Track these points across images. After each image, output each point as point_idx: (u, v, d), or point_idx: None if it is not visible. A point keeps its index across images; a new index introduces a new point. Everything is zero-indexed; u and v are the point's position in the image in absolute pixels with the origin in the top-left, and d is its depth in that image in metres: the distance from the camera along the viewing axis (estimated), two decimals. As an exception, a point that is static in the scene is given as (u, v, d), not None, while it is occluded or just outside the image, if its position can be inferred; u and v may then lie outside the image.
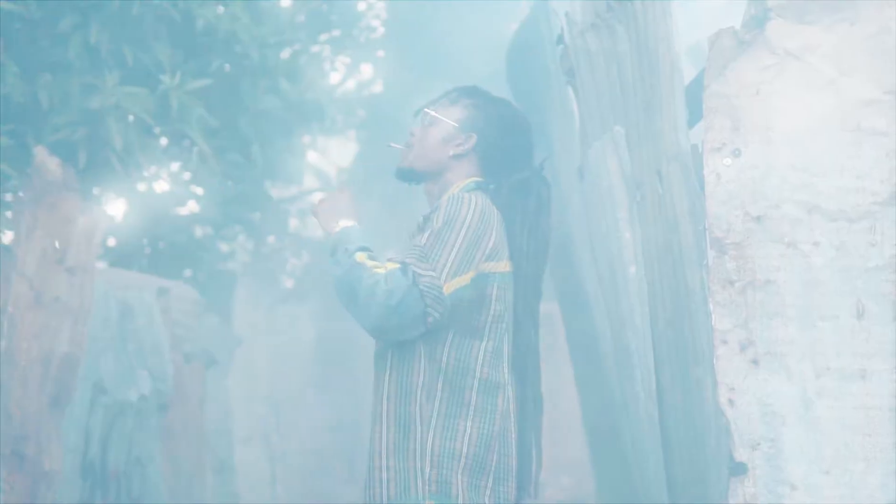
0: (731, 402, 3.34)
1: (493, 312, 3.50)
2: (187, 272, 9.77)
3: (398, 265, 3.35)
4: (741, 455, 3.29)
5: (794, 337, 3.33)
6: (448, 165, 3.71)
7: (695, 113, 4.31)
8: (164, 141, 8.97)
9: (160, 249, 9.31)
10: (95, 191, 8.16)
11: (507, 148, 3.71)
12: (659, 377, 4.47)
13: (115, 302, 6.83)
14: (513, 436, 3.53)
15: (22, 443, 5.58)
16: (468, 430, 3.39)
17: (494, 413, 3.45)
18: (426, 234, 3.42)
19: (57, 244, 5.61)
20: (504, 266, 3.53)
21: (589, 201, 5.06)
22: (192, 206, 10.97)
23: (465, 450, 3.37)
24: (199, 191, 9.91)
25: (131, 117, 6.87)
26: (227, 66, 8.76)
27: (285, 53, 9.96)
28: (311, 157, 12.41)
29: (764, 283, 3.37)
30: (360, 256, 3.37)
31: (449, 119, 3.71)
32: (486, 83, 3.88)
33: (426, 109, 3.77)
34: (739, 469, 3.29)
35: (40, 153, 5.66)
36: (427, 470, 3.32)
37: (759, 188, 3.43)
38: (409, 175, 3.78)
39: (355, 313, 3.37)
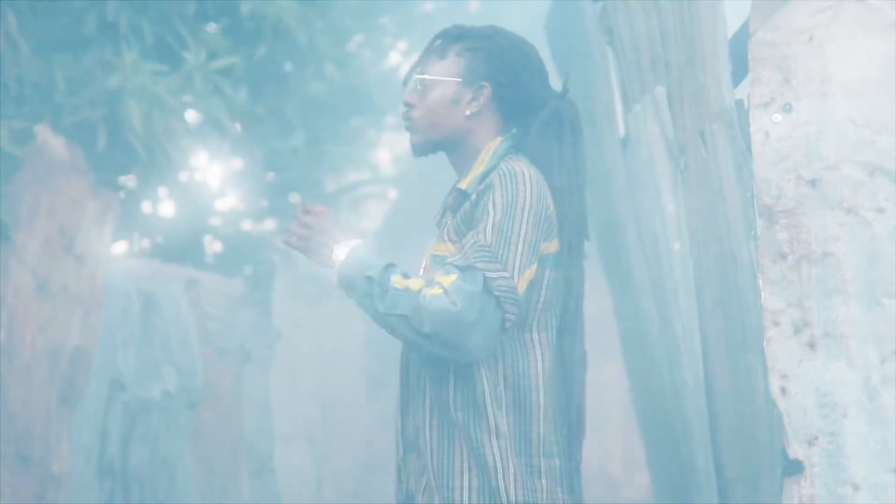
0: (783, 391, 3.08)
1: (546, 299, 3.10)
2: (214, 253, 9.50)
3: (456, 273, 2.93)
4: (796, 451, 3.04)
5: (856, 317, 3.06)
6: (468, 128, 3.21)
7: (741, 67, 3.90)
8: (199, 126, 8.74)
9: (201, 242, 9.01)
10: (130, 183, 7.87)
11: (526, 83, 3.20)
12: (706, 364, 4.12)
13: (137, 293, 6.47)
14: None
15: (27, 443, 5.21)
16: (542, 439, 3.04)
17: (558, 411, 3.11)
18: (485, 227, 2.98)
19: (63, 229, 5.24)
20: (555, 246, 3.11)
21: (632, 174, 4.68)
22: (232, 198, 10.76)
23: (541, 463, 3.03)
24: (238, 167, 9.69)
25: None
26: (271, 51, 8.51)
27: (334, 38, 9.69)
28: (366, 147, 12.12)
29: (820, 256, 3.12)
30: (398, 280, 2.97)
31: (448, 76, 3.21)
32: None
33: (416, 76, 3.25)
34: (794, 467, 3.05)
35: (42, 132, 5.27)
36: (512, 490, 2.98)
37: (813, 147, 3.17)
38: (428, 148, 3.29)
39: (425, 345, 2.96)
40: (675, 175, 4.29)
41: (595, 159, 5.91)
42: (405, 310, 2.91)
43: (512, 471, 2.98)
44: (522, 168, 3.04)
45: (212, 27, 7.92)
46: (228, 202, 10.88)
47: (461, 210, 3.10)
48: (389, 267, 2.99)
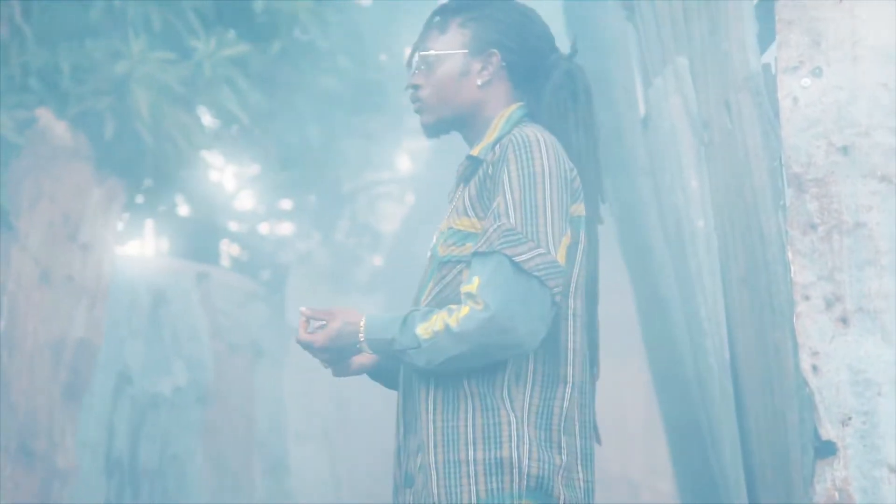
0: (815, 368, 2.97)
1: (580, 265, 2.96)
2: (230, 255, 9.42)
3: (478, 275, 2.79)
4: (829, 432, 2.94)
5: (890, 290, 2.96)
6: (480, 99, 3.08)
7: (768, 31, 3.74)
8: (210, 121, 8.65)
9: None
10: (147, 181, 7.76)
11: (534, 46, 3.09)
12: (732, 345, 3.97)
13: (146, 286, 6.33)
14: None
15: (30, 437, 5.06)
16: (565, 414, 2.90)
17: (586, 390, 2.99)
18: (506, 206, 2.82)
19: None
20: (583, 209, 2.97)
21: (653, 151, 4.52)
22: (247, 196, 10.68)
23: (561, 438, 2.89)
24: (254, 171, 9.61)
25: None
26: (285, 46, 8.45)
27: (349, 33, 9.64)
28: (384, 146, 12.03)
29: (853, 227, 3.02)
30: (423, 330, 2.83)
31: (454, 49, 3.07)
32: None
33: (421, 53, 3.11)
34: (827, 449, 2.94)
35: (44, 116, 5.13)
36: (525, 461, 2.81)
37: (844, 113, 3.07)
38: (441, 127, 3.15)
39: (486, 360, 2.85)
40: (699, 150, 4.14)
41: (613, 144, 5.76)
42: (446, 353, 2.80)
43: (527, 443, 2.83)
44: (536, 134, 2.90)
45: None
46: (243, 200, 10.81)
47: (475, 178, 2.96)
48: (406, 320, 2.87)
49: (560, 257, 2.81)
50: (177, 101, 6.77)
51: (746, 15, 3.79)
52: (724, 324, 4.04)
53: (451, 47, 3.06)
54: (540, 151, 2.86)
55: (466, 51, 3.05)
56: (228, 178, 10.43)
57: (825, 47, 3.09)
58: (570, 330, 2.92)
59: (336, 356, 3.04)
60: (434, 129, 3.14)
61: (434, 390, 2.91)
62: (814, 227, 3.02)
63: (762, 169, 3.71)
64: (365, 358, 3.13)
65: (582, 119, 3.05)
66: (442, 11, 3.11)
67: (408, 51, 3.48)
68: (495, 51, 3.05)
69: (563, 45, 5.55)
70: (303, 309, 3.02)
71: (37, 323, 5.15)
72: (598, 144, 3.08)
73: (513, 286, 2.76)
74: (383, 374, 3.20)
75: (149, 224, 9.07)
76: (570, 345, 2.92)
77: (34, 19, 6.28)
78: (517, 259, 2.76)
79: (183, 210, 9.19)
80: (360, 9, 11.14)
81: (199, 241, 9.30)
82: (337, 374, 3.15)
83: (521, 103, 3.07)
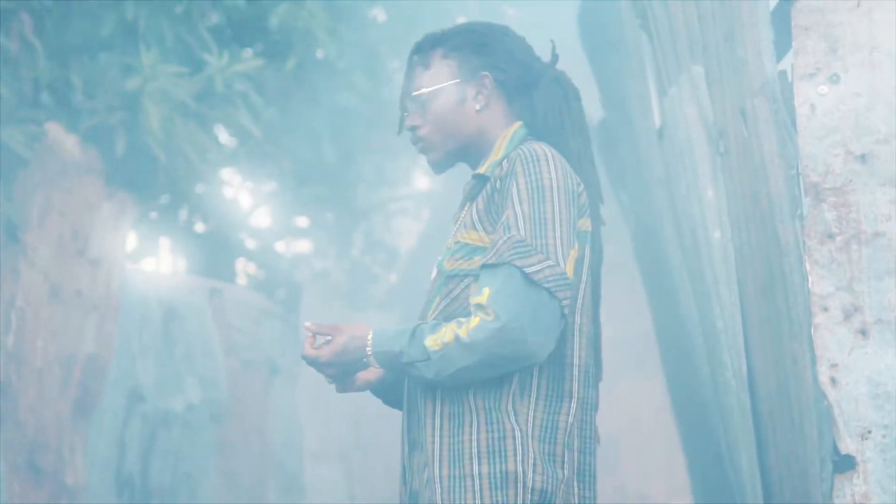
0: (833, 381, 2.92)
1: (587, 280, 2.95)
2: (246, 273, 9.38)
3: (487, 286, 2.77)
4: (848, 446, 2.89)
5: None
6: (481, 124, 3.05)
7: (784, 37, 3.68)
8: (227, 138, 8.63)
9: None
10: (163, 199, 7.72)
11: (519, 59, 3.08)
12: (749, 358, 3.91)
13: (158, 301, 6.27)
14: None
15: (39, 453, 5.00)
16: (569, 429, 2.87)
17: (588, 406, 2.94)
18: (515, 219, 2.81)
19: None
20: (588, 224, 2.96)
21: (668, 161, 4.45)
22: (263, 212, 10.66)
23: (564, 453, 2.86)
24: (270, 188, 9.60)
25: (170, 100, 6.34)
26: (300, 62, 8.46)
27: (364, 50, 9.65)
28: (400, 163, 12.02)
29: (872, 237, 2.97)
30: (432, 341, 2.80)
31: (443, 82, 3.04)
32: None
33: (414, 94, 3.06)
34: (846, 463, 2.89)
35: (53, 129, 5.08)
36: (530, 475, 2.79)
37: (862, 120, 3.02)
38: (449, 161, 3.12)
39: (496, 372, 2.82)
40: (714, 159, 4.07)
41: (629, 156, 5.70)
42: (456, 365, 2.78)
43: (532, 457, 2.80)
44: (544, 148, 2.89)
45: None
46: (259, 218, 10.79)
47: (483, 193, 2.94)
48: (415, 333, 2.85)
49: (569, 270, 2.79)
50: (189, 117, 6.73)
51: (762, 21, 3.72)
52: (741, 336, 3.97)
53: (441, 80, 3.03)
54: (548, 165, 2.84)
55: (458, 80, 3.03)
56: (244, 195, 10.41)
57: (842, 53, 3.04)
58: (577, 346, 2.89)
59: (342, 372, 2.98)
60: (443, 165, 3.11)
61: (439, 405, 2.88)
62: (832, 236, 2.97)
63: (779, 178, 3.65)
64: (370, 374, 3.10)
65: (576, 122, 3.03)
66: (420, 49, 3.10)
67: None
68: (486, 73, 3.03)
69: (579, 53, 5.46)
70: (307, 324, 2.98)
71: (46, 338, 5.10)
72: (591, 145, 3.06)
73: (523, 297, 2.73)
74: (387, 390, 3.17)
75: (164, 241, 9.05)
76: (576, 360, 2.89)
77: (45, 34, 6.25)
78: (527, 270, 2.74)
79: (199, 227, 9.16)
80: (376, 25, 11.16)
81: (215, 258, 9.27)
82: (341, 389, 3.10)
83: (521, 122, 3.05)
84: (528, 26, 12.50)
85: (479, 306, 2.75)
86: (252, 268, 10.10)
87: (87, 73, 6.29)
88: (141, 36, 6.37)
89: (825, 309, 2.93)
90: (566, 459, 2.84)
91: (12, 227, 4.95)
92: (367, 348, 2.89)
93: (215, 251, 9.31)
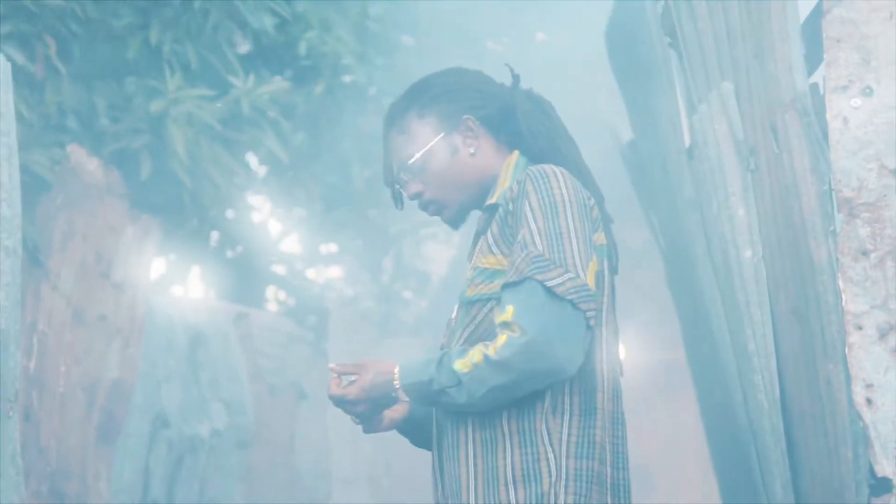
0: (869, 402, 2.80)
1: (607, 293, 2.91)
2: (275, 298, 9.32)
3: (511, 303, 2.72)
4: (885, 469, 2.77)
5: None
6: (480, 166, 3.03)
7: (815, 50, 3.59)
8: (257, 164, 8.61)
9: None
10: (192, 224, 7.68)
11: (489, 91, 3.07)
12: (782, 380, 3.81)
13: (183, 326, 6.20)
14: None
15: (62, 479, 4.94)
16: (602, 443, 2.83)
17: (618, 420, 2.90)
18: (532, 236, 2.77)
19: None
20: (603, 238, 2.93)
21: (698, 181, 4.36)
22: (291, 238, 10.61)
23: (599, 469, 2.82)
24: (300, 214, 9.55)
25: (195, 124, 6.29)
26: (328, 87, 8.47)
27: (392, 74, 9.64)
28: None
29: None
30: (461, 364, 2.75)
31: (430, 141, 3.01)
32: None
33: (408, 163, 3.03)
34: (883, 486, 2.77)
35: (75, 152, 5.02)
36: (562, 497, 2.75)
37: None
38: (463, 213, 3.11)
39: (527, 390, 2.77)
40: (745, 177, 3.98)
41: (659, 176, 5.61)
42: (488, 384, 2.73)
43: (564, 478, 2.75)
44: (551, 167, 2.87)
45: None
46: (289, 243, 10.74)
47: (496, 219, 2.91)
48: (442, 360, 2.79)
49: (590, 281, 2.75)
50: (215, 140, 6.69)
51: (792, 34, 3.64)
52: (774, 358, 3.86)
53: (427, 140, 3.00)
54: (558, 181, 2.82)
55: (442, 133, 3.00)
56: (273, 220, 10.37)
57: (876, 65, 2.94)
58: (603, 357, 2.85)
59: (371, 409, 2.95)
60: (459, 220, 3.11)
61: (471, 432, 2.84)
62: (866, 253, 2.86)
63: (811, 194, 3.56)
64: (395, 413, 3.07)
65: (561, 131, 3.05)
66: (392, 120, 3.08)
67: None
68: (466, 115, 3.01)
69: (609, 75, 5.36)
70: (332, 366, 2.96)
71: (69, 363, 5.04)
72: (579, 150, 3.06)
73: (547, 311, 2.69)
74: (414, 429, 3.13)
75: (193, 267, 9.01)
76: (604, 372, 2.85)
77: (70, 57, 6.21)
78: (549, 284, 2.69)
79: (228, 253, 9.12)
80: (405, 50, 11.14)
81: (244, 284, 9.21)
82: (367, 430, 3.07)
83: (518, 150, 3.03)
84: (558, 49, 12.48)
85: (505, 324, 2.70)
86: (281, 294, 10.04)
87: (112, 96, 6.26)
88: (165, 59, 6.34)
89: (859, 328, 2.82)
90: (601, 475, 2.79)
91: (34, 251, 4.89)
92: (395, 382, 2.86)
93: (244, 277, 9.25)
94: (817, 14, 3.72)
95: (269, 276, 10.05)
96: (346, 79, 9.16)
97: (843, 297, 2.85)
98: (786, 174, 3.66)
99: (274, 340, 7.73)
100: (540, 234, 2.75)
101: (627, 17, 5.46)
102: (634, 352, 13.53)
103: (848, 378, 2.92)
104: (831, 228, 3.47)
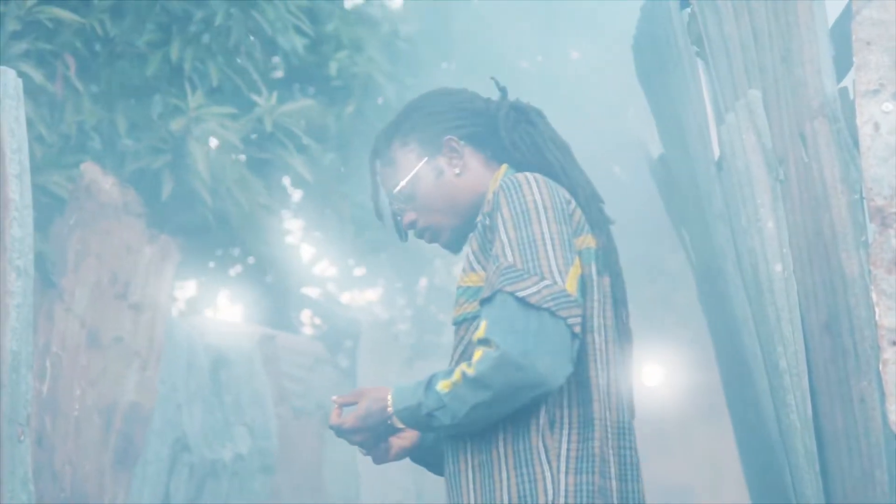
0: None
1: (599, 298, 2.77)
2: (310, 322, 9.21)
3: (485, 318, 2.62)
4: None
5: None
6: (468, 185, 2.95)
7: (845, 54, 3.44)
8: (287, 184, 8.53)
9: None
10: (221, 244, 7.59)
11: (471, 108, 2.99)
12: (815, 399, 3.63)
13: (206, 348, 6.07)
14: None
15: (77, 505, 4.80)
16: (603, 456, 2.69)
17: (623, 431, 2.77)
18: (503, 248, 2.67)
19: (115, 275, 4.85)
20: (591, 241, 2.80)
21: (727, 193, 4.20)
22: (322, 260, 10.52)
23: (602, 483, 2.68)
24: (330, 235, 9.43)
25: (216, 142, 6.17)
26: (359, 107, 8.42)
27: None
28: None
29: None
30: (444, 385, 2.67)
31: (414, 167, 2.95)
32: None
33: (395, 192, 2.96)
34: None
35: (90, 170, 4.91)
36: None
37: None
38: (460, 236, 2.99)
39: (509, 407, 2.65)
40: (775, 188, 3.81)
41: (689, 191, 5.45)
42: (468, 402, 2.63)
43: (563, 495, 2.62)
44: (525, 175, 2.78)
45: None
46: (318, 265, 10.63)
47: (475, 234, 2.81)
48: (430, 382, 2.71)
49: (570, 287, 2.62)
50: (238, 159, 6.58)
51: (821, 36, 3.48)
52: (806, 375, 3.69)
53: (411, 167, 2.95)
54: (530, 187, 2.74)
55: (426, 157, 2.94)
56: (303, 241, 10.27)
57: (908, 68, 2.75)
58: (598, 366, 2.71)
59: (371, 438, 2.85)
60: (457, 243, 3.00)
61: (469, 457, 2.73)
62: (900, 264, 2.67)
63: (841, 204, 3.39)
64: (404, 440, 2.97)
65: (547, 135, 2.94)
66: (378, 153, 3.02)
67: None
68: (448, 136, 2.94)
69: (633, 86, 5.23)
70: (334, 398, 2.90)
71: (84, 386, 4.91)
72: (572, 153, 2.96)
73: (520, 322, 2.57)
74: (426, 456, 3.03)
75: (221, 289, 8.90)
76: (598, 382, 2.71)
77: (90, 76, 6.12)
78: (520, 294, 2.59)
79: (256, 274, 9.03)
80: (437, 70, 11.05)
81: (272, 306, 9.10)
82: (377, 461, 2.98)
83: (506, 164, 2.94)
84: (591, 69, 12.35)
85: (480, 340, 2.61)
86: (310, 315, 9.93)
87: (133, 115, 6.16)
88: (187, 77, 6.23)
89: (894, 343, 2.66)
90: (604, 489, 2.66)
91: (46, 271, 4.78)
92: (389, 408, 2.76)
93: (274, 300, 9.14)
94: (847, 16, 3.57)
95: (301, 299, 9.94)
96: (378, 99, 9.08)
97: (877, 310, 2.70)
98: (815, 184, 3.50)
99: (300, 363, 7.58)
100: (511, 245, 2.66)
101: (653, 27, 5.30)
102: (674, 373, 13.34)
103: (882, 396, 2.84)
104: (863, 239, 3.31)
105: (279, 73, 8.28)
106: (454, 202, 2.93)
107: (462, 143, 2.94)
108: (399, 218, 2.99)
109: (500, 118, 2.94)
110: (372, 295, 11.99)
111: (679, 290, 11.93)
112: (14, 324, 3.96)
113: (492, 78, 3.09)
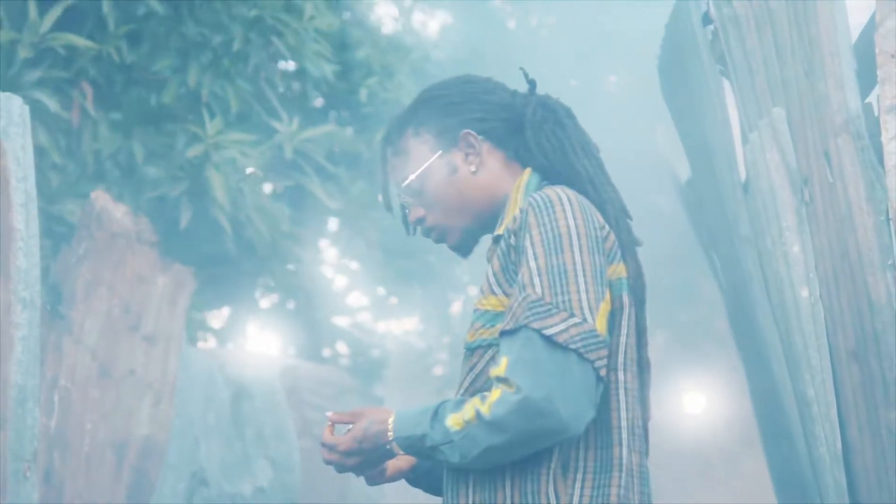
0: None
1: (628, 332, 2.51)
2: (339, 352, 9.10)
3: (506, 354, 2.37)
4: None
5: None
6: (484, 185, 2.67)
7: (868, 68, 3.27)
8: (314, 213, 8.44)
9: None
10: (244, 272, 7.49)
11: (495, 101, 2.69)
12: (844, 430, 3.44)
13: (226, 380, 5.94)
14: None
15: (88, 542, 4.68)
16: (619, 500, 2.44)
17: (643, 476, 2.54)
18: (531, 277, 2.41)
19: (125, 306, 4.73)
20: (622, 270, 2.53)
21: (753, 216, 4.05)
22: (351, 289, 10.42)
23: None
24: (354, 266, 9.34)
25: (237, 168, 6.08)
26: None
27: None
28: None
29: None
30: (454, 421, 2.43)
31: (426, 161, 2.68)
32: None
33: (403, 186, 2.70)
34: None
35: (100, 198, 4.80)
36: None
37: None
38: (470, 239, 2.74)
39: (524, 451, 2.43)
40: (800, 210, 3.65)
41: (716, 213, 5.30)
42: (481, 445, 2.40)
43: None
44: (558, 192, 2.50)
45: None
46: (348, 294, 10.52)
47: (497, 252, 2.53)
48: (438, 412, 2.47)
49: (600, 326, 2.38)
50: (258, 187, 6.48)
51: (844, 50, 3.31)
52: (835, 405, 3.51)
53: (422, 160, 2.68)
54: (563, 209, 2.46)
55: (440, 151, 2.67)
56: (333, 270, 10.18)
57: (934, 81, 2.61)
58: (621, 406, 2.46)
59: (366, 462, 2.61)
60: (466, 246, 2.74)
61: (471, 495, 2.48)
62: (929, 287, 2.50)
63: (867, 225, 3.22)
64: (401, 461, 2.75)
65: (576, 139, 2.66)
66: (389, 139, 2.74)
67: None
68: (466, 130, 2.65)
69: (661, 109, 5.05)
70: (329, 414, 2.65)
71: (95, 421, 4.79)
72: (601, 161, 2.68)
73: (545, 363, 2.34)
74: (421, 479, 2.80)
75: (250, 319, 8.81)
76: (621, 423, 2.46)
77: (107, 103, 6.03)
78: (547, 332, 2.34)
79: (279, 302, 8.94)
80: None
81: (304, 336, 9.00)
82: (370, 482, 2.74)
83: (531, 168, 2.66)
84: (623, 92, 12.24)
85: (499, 378, 2.37)
86: (341, 345, 9.81)
87: (150, 142, 6.07)
88: (204, 104, 6.14)
89: (923, 371, 2.51)
90: None
91: (55, 303, 4.67)
92: (388, 433, 2.52)
93: (303, 329, 9.03)
94: (870, 28, 3.41)
95: (332, 329, 9.82)
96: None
97: (905, 337, 2.54)
98: (840, 204, 3.33)
99: (323, 393, 7.43)
100: (540, 274, 2.41)
101: (677, 45, 5.17)
102: (715, 401, 13.14)
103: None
104: (890, 262, 3.13)
105: (318, 102, 8.22)
106: (467, 202, 2.67)
107: (481, 138, 2.67)
108: (407, 211, 2.73)
109: (526, 114, 2.67)
110: (409, 324, 11.86)
111: (718, 316, 11.74)
112: (20, 356, 3.85)
113: (520, 68, 2.80)
